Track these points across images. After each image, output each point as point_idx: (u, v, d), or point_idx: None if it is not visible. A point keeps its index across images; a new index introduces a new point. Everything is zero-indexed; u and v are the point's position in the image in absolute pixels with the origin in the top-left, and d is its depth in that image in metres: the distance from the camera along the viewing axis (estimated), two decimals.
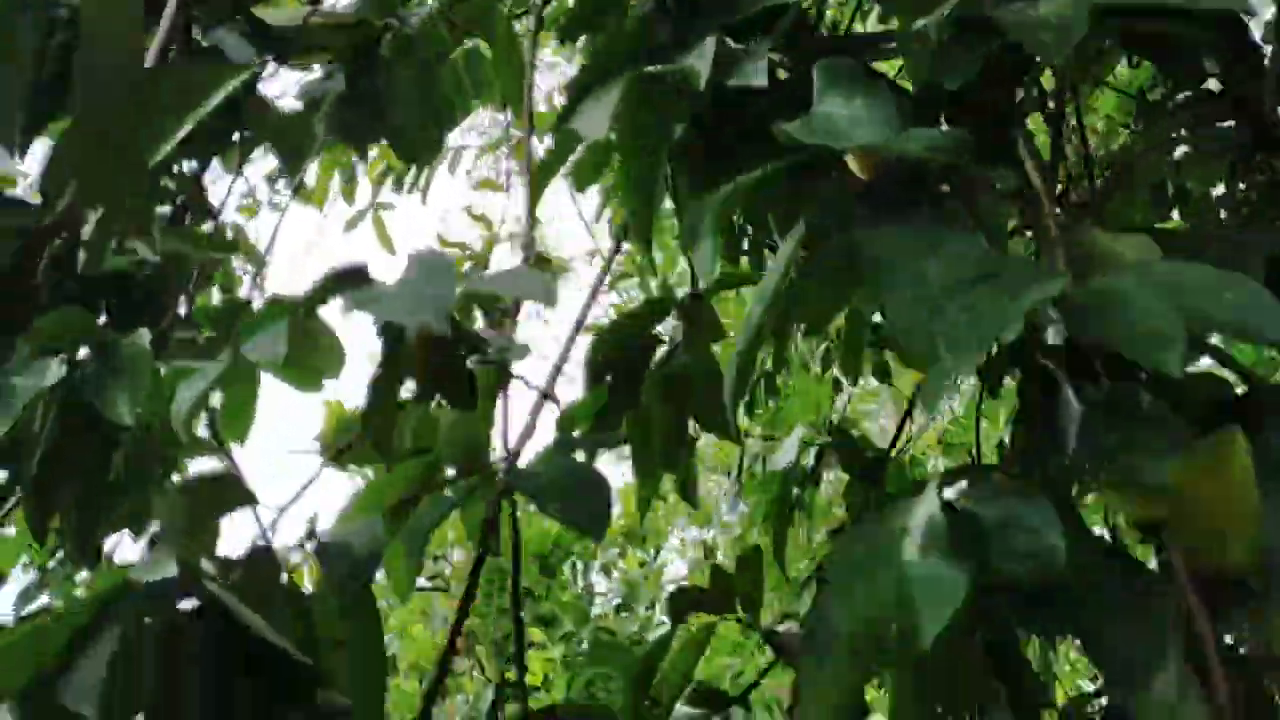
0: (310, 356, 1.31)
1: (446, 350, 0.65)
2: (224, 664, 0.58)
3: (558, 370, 0.94)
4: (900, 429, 1.46)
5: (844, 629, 0.49)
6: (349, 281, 0.60)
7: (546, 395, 0.92)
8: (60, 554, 1.29)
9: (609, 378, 1.06)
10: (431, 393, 0.68)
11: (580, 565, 5.21)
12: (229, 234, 1.77)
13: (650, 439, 1.14)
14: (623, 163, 0.89)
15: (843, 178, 0.69)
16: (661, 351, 1.10)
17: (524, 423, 0.94)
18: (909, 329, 0.58)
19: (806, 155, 0.68)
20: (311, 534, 0.78)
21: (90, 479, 0.73)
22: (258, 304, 1.36)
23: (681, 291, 1.11)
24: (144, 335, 0.78)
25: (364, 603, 0.78)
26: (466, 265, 2.10)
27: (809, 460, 1.48)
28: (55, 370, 0.75)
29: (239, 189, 1.66)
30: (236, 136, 1.24)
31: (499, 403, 0.92)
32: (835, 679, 0.49)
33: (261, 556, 0.66)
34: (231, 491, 0.65)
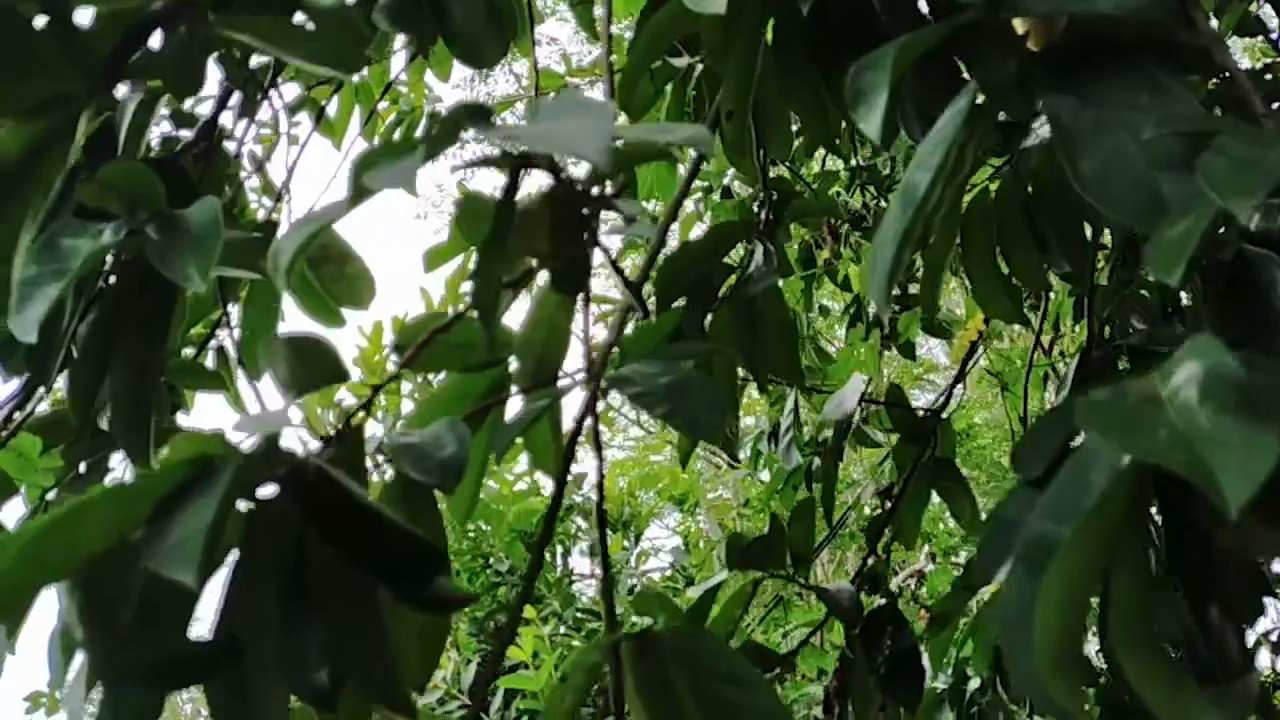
0: (337, 285, 1.23)
1: (571, 212, 0.57)
2: (333, 540, 0.50)
3: (641, 283, 0.86)
4: (951, 390, 1.40)
5: (1094, 493, 0.42)
6: (477, 117, 0.53)
7: (631, 307, 0.85)
8: (65, 482, 1.20)
9: (682, 302, 0.99)
10: (557, 266, 0.60)
11: (560, 549, 5.14)
12: (247, 164, 1.68)
13: (714, 375, 1.07)
14: (724, 50, 0.82)
15: (1017, 40, 0.62)
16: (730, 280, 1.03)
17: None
18: (1124, 192, 0.52)
19: (972, 15, 0.61)
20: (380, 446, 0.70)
21: (148, 352, 0.65)
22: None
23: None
24: (213, 201, 0.69)
25: (432, 508, 0.70)
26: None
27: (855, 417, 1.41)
28: (111, 233, 0.66)
29: (259, 116, 1.57)
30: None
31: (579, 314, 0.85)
32: (1078, 557, 0.42)
33: (350, 434, 0.59)
34: (328, 361, 0.57)
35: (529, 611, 3.61)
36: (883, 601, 1.24)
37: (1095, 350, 1.54)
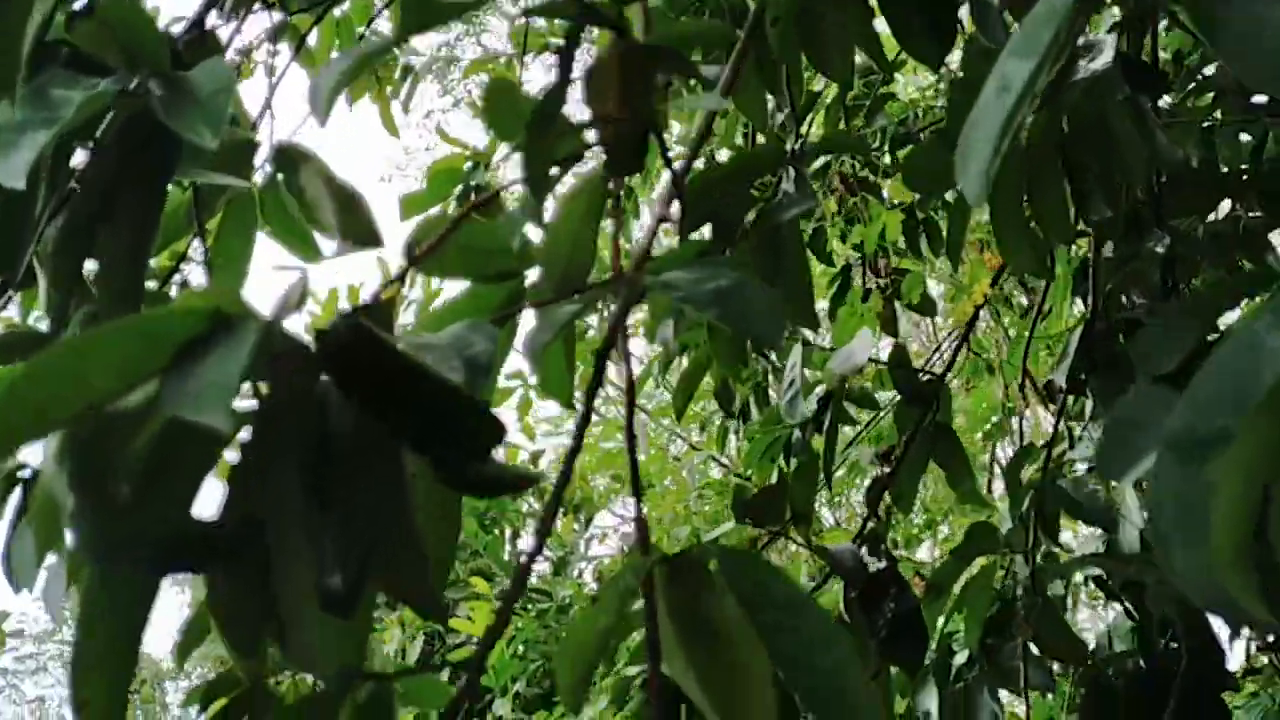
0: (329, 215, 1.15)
1: (641, 71, 0.51)
2: (372, 407, 0.44)
3: (676, 193, 0.80)
4: (955, 354, 1.36)
5: (1263, 382, 0.37)
6: None
7: (664, 218, 0.79)
8: None
9: (709, 226, 0.93)
10: (619, 135, 0.54)
11: (509, 531, 5.07)
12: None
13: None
14: None
15: None
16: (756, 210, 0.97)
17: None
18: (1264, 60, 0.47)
19: None
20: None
21: (149, 208, 0.58)
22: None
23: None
24: (220, 61, 0.62)
25: None
26: (468, 164, 1.94)
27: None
28: (109, 84, 0.59)
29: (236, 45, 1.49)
30: None
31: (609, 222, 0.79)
32: (1256, 445, 0.36)
33: (381, 308, 0.52)
34: (367, 219, 0.51)
35: (481, 586, 3.54)
36: (883, 564, 1.19)
37: (1098, 323, 1.51)
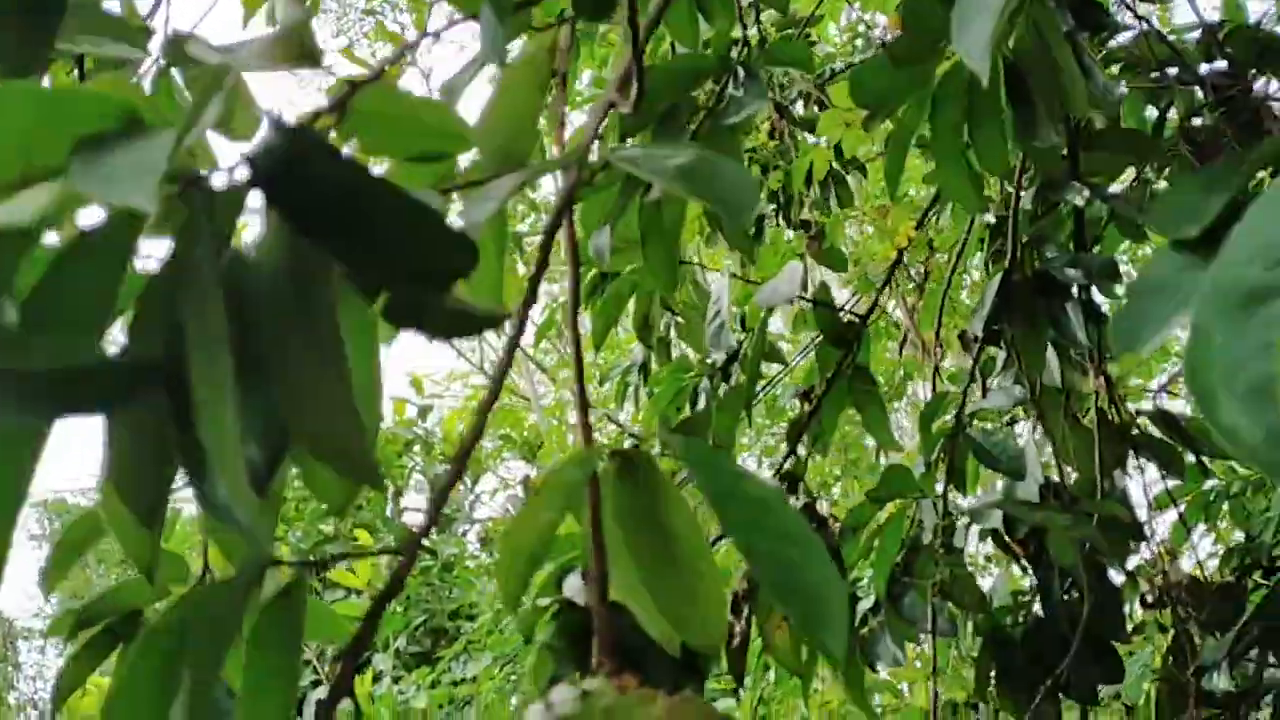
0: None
1: None
2: (317, 228, 0.37)
3: (629, 78, 0.74)
4: (879, 295, 1.33)
5: None
6: None
7: (614, 104, 0.73)
8: None
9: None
10: None
11: (392, 488, 4.95)
12: None
13: (664, 229, 0.96)
14: None
15: None
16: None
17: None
18: None
19: None
20: None
21: None
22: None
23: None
24: None
25: None
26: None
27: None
28: None
29: None
30: None
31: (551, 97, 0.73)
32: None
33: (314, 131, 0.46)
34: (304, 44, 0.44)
35: (364, 538, 3.45)
36: (802, 501, 1.16)
37: (1015, 275, 1.51)
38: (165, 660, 0.45)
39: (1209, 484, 2.34)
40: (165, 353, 0.38)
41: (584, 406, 0.61)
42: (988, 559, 2.62)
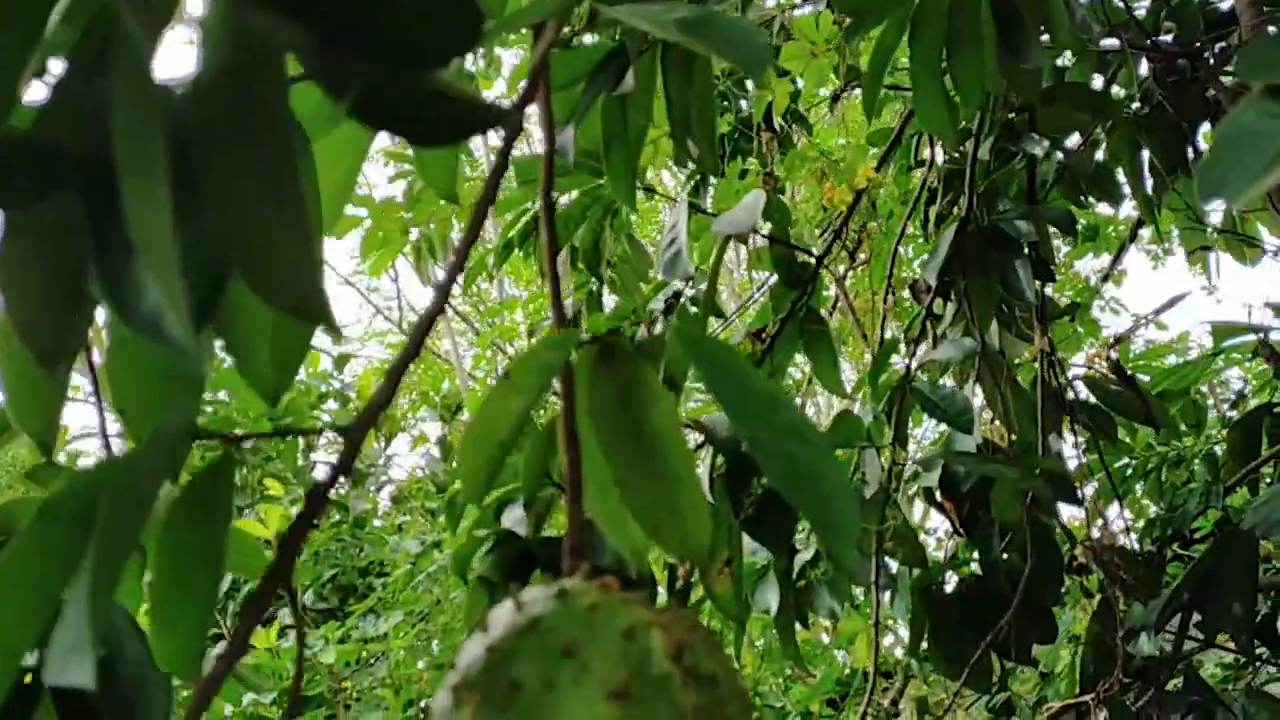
0: None
1: None
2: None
3: None
4: (837, 236, 1.29)
5: None
6: None
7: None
8: None
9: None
10: None
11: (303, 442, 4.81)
12: None
13: (628, 136, 0.90)
14: None
15: None
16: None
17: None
18: None
19: None
20: None
21: None
22: None
23: None
24: None
25: None
26: None
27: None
28: None
29: None
30: None
31: None
32: None
33: None
34: None
35: (274, 488, 3.33)
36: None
37: (970, 225, 1.47)
38: (65, 536, 0.37)
39: (1123, 460, 2.38)
40: (82, 139, 0.31)
41: (557, 292, 0.55)
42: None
